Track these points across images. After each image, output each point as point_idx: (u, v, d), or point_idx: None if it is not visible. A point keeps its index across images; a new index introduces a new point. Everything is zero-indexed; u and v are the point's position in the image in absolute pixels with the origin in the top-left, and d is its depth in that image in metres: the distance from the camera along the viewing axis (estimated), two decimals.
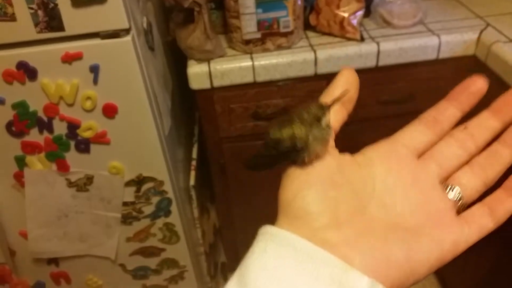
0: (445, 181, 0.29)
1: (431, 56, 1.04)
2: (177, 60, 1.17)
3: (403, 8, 1.04)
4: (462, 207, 0.29)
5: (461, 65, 1.07)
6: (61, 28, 0.81)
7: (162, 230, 1.12)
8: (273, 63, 1.04)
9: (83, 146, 0.96)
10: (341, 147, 0.30)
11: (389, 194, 0.28)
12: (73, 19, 0.80)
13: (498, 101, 0.30)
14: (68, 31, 0.82)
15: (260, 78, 1.05)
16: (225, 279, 1.61)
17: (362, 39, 1.03)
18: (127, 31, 0.84)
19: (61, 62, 0.85)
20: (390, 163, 0.29)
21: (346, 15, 1.02)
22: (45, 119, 0.92)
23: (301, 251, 0.25)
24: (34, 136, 0.94)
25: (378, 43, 1.02)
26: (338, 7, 1.03)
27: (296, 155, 0.28)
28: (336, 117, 0.30)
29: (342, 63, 1.03)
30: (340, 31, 1.04)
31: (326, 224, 0.26)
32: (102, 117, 0.92)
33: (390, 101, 1.10)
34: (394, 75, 1.07)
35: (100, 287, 1.24)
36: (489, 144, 0.30)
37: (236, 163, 1.21)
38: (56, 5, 0.78)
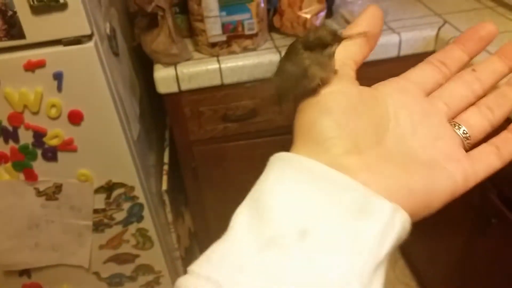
0: (452, 120, 0.30)
1: (392, 53, 1.07)
2: (144, 65, 1.17)
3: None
4: (469, 146, 0.29)
5: (422, 61, 1.11)
6: (21, 35, 0.81)
7: (135, 236, 1.11)
8: (240, 65, 1.05)
9: (50, 155, 0.95)
10: None
11: (401, 128, 0.29)
12: (34, 26, 0.80)
13: (506, 46, 0.31)
14: (29, 39, 0.81)
15: (227, 80, 1.06)
16: None
17: None
18: (89, 37, 0.83)
19: (24, 70, 0.84)
20: (401, 98, 0.30)
21: (308, 16, 1.04)
22: (10, 128, 0.91)
23: (320, 176, 0.24)
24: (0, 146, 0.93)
25: None
26: (300, 8, 1.05)
27: (301, 84, 0.28)
28: (360, 50, 0.30)
29: None
30: (304, 32, 1.06)
31: (346, 150, 0.25)
32: (68, 124, 0.91)
33: None
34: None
35: None
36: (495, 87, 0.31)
37: (208, 166, 1.22)
38: (15, 12, 0.77)
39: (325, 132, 0.26)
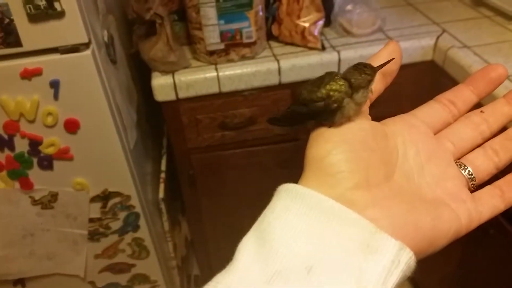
0: (458, 160, 0.30)
1: None
2: (142, 72, 1.17)
3: (362, 16, 1.07)
4: (474, 187, 0.30)
5: (420, 70, 1.11)
6: (18, 43, 0.80)
7: (131, 245, 1.10)
8: (238, 73, 1.05)
9: (46, 163, 0.94)
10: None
11: (409, 166, 0.29)
12: (31, 34, 0.79)
13: None
14: (26, 47, 0.81)
15: (225, 89, 1.06)
16: None
17: (323, 48, 1.05)
18: (86, 45, 0.83)
19: (20, 78, 0.84)
20: (410, 136, 0.30)
21: (306, 25, 1.04)
22: (6, 136, 0.90)
23: (328, 212, 0.24)
24: None
25: (338, 52, 1.05)
26: (298, 17, 1.05)
27: (327, 115, 0.28)
28: (376, 86, 0.30)
29: (305, 72, 1.05)
30: (302, 41, 1.06)
31: (356, 184, 0.26)
32: (64, 133, 0.90)
33: None
34: None
35: None
36: (502, 130, 0.31)
37: (206, 174, 1.21)
38: (12, 20, 0.77)
39: (337, 165, 0.26)
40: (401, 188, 0.28)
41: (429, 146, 0.30)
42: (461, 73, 0.99)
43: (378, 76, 0.30)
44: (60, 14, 0.78)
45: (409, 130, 0.30)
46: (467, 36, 1.07)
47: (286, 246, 0.23)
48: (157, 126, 1.38)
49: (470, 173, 0.30)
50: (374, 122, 0.29)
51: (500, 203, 0.29)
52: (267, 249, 0.23)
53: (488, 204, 0.29)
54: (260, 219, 0.26)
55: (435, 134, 0.31)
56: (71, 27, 0.80)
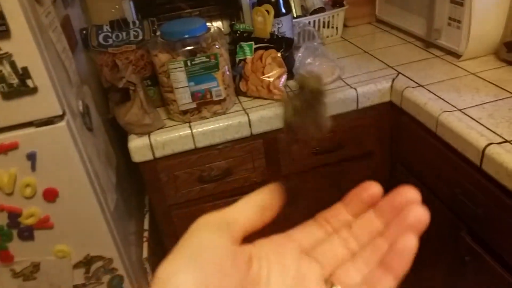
0: (330, 278, 0.28)
1: (352, 107, 1.09)
2: (122, 134, 1.16)
3: (322, 68, 1.10)
4: None
5: (379, 111, 1.13)
6: None
7: None
8: (211, 129, 1.05)
9: (27, 234, 0.90)
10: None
11: None
12: (5, 111, 0.79)
13: (383, 202, 0.29)
14: (1, 123, 0.80)
15: (200, 144, 1.06)
16: None
17: None
18: (61, 117, 0.82)
19: None
20: (277, 258, 0.28)
21: (271, 79, 1.06)
22: None
23: None
24: None
25: None
26: (263, 73, 1.07)
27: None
28: (253, 217, 0.28)
29: (273, 122, 1.06)
30: (268, 94, 1.08)
31: None
32: (44, 202, 0.88)
33: (322, 151, 1.13)
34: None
35: None
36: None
37: (187, 229, 1.18)
38: None
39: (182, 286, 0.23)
40: None
41: (296, 269, 0.28)
42: (417, 109, 1.01)
43: (258, 210, 0.28)
44: (33, 90, 0.77)
45: (277, 253, 0.28)
46: (420, 76, 1.10)
47: None
48: (139, 185, 1.36)
49: None
50: (239, 247, 0.27)
51: None
52: None
53: None
54: None
55: (307, 253, 0.29)
56: (45, 101, 0.79)
